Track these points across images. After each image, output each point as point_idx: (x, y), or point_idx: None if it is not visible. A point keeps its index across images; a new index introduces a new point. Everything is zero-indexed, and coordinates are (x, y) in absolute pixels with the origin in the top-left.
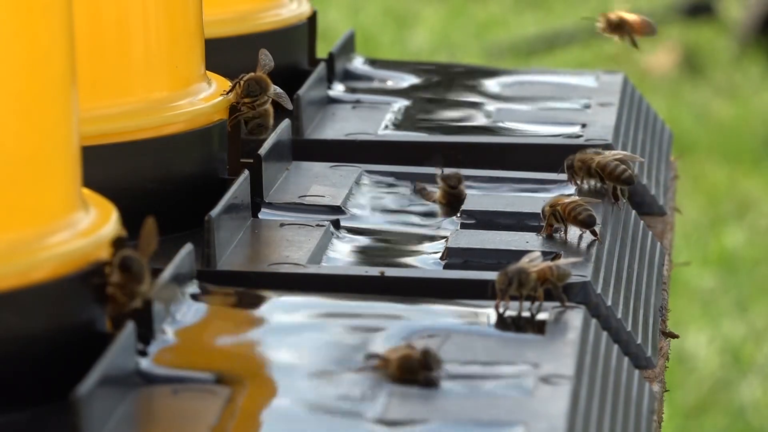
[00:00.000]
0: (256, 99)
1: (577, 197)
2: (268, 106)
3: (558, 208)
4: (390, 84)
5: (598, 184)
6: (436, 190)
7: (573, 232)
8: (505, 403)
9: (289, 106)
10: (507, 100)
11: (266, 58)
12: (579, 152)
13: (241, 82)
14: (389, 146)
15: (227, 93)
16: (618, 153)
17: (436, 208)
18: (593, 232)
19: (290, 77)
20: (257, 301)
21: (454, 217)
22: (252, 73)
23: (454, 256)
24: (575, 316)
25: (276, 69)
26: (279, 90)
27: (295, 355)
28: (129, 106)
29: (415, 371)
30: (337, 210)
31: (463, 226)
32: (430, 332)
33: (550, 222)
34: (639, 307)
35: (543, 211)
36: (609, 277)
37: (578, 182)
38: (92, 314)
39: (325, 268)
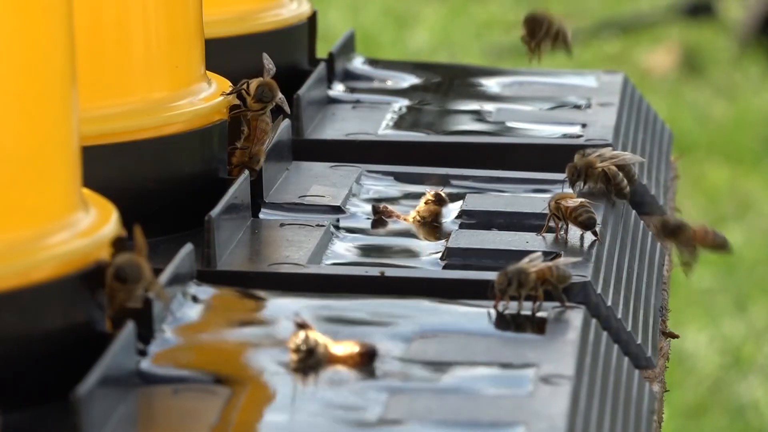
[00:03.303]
0: (266, 105)
1: (581, 198)
2: (263, 148)
3: (561, 206)
4: (390, 84)
5: (601, 186)
6: (410, 210)
7: (573, 232)
8: (505, 403)
9: (288, 110)
10: (507, 100)
11: (269, 63)
12: (580, 156)
13: (250, 86)
14: (389, 146)
15: (229, 94)
16: (619, 154)
17: (436, 207)
18: (594, 233)
19: (290, 77)
20: (257, 301)
21: (454, 217)
22: (260, 78)
23: (454, 256)
24: (575, 316)
25: (276, 69)
26: (281, 95)
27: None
28: (129, 106)
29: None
30: (337, 210)
31: (463, 226)
32: (430, 332)
33: (551, 217)
34: (639, 307)
35: (549, 205)
36: (609, 277)
37: (581, 186)
38: (92, 314)
39: (325, 268)
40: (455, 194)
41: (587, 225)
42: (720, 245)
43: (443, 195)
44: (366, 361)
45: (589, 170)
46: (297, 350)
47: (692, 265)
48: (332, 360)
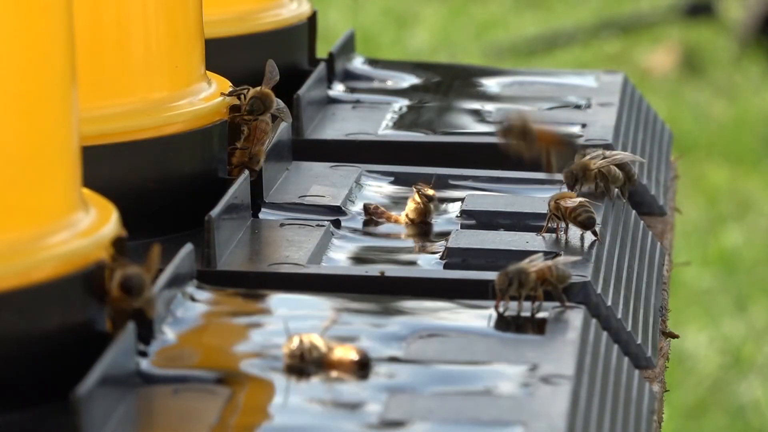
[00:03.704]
0: (259, 117)
1: (581, 198)
2: (262, 148)
3: (561, 206)
4: (390, 84)
5: (600, 184)
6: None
7: (573, 232)
8: (505, 403)
9: (289, 120)
10: (507, 100)
11: (273, 71)
12: (580, 157)
13: (246, 96)
14: (389, 146)
15: (227, 95)
16: (618, 153)
17: (423, 207)
18: (594, 233)
19: (290, 77)
20: (257, 301)
21: (454, 217)
22: (258, 88)
23: (454, 256)
24: (575, 316)
25: (278, 75)
26: (281, 105)
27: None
28: (129, 106)
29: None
30: (337, 210)
31: (463, 226)
32: (430, 332)
33: (551, 217)
34: (639, 307)
35: (549, 205)
36: (609, 277)
37: (579, 189)
38: (92, 314)
39: (325, 268)
40: (455, 194)
41: (587, 225)
42: (564, 142)
43: (429, 193)
44: (359, 369)
45: (585, 172)
46: (291, 355)
47: (551, 163)
48: (328, 365)
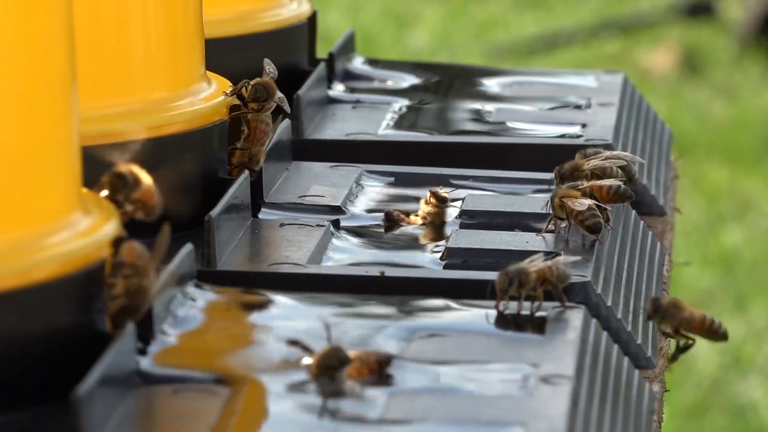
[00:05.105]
0: (263, 105)
1: (589, 201)
2: (262, 149)
3: (567, 206)
4: (390, 84)
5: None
6: (416, 212)
7: (574, 231)
8: (505, 403)
9: (288, 109)
10: (507, 100)
11: (270, 68)
12: (581, 156)
13: (248, 86)
14: (389, 146)
15: (229, 94)
16: (618, 154)
17: (440, 209)
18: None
19: (290, 77)
20: (257, 301)
21: (454, 217)
22: (259, 78)
23: (454, 256)
24: (575, 316)
25: (277, 71)
26: (280, 95)
27: (295, 354)
28: (129, 106)
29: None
30: (337, 210)
31: (463, 226)
32: (430, 332)
33: (556, 215)
34: (639, 307)
35: (552, 202)
36: (609, 277)
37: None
38: (92, 314)
39: (325, 268)
40: (455, 194)
41: (594, 230)
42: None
43: (444, 195)
44: (382, 368)
45: (575, 173)
46: (321, 367)
47: None
48: (350, 371)
